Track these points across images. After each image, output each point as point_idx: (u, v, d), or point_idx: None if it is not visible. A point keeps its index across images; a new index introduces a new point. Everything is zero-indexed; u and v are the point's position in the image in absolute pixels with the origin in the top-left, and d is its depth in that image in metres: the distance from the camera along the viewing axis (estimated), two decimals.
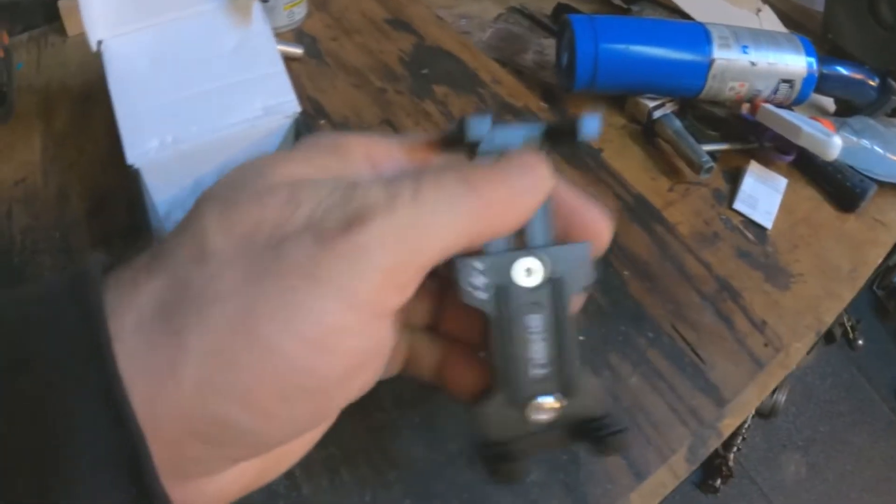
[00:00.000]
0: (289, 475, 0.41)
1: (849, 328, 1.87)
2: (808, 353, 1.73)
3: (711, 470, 1.57)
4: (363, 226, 0.20)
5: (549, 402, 0.27)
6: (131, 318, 0.19)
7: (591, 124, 0.26)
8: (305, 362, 0.19)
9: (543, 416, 0.26)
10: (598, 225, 0.28)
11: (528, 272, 0.26)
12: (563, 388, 0.27)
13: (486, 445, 0.26)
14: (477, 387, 0.28)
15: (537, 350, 0.27)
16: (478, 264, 0.26)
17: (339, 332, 0.19)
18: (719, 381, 0.51)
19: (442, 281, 0.27)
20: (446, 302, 0.30)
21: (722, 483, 1.55)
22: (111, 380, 0.18)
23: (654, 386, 0.49)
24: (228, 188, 0.22)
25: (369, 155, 0.25)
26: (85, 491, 0.17)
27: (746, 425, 1.62)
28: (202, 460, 0.19)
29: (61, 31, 0.76)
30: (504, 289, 0.26)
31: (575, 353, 0.27)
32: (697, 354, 0.52)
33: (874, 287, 1.96)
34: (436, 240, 0.21)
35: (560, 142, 0.28)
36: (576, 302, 0.28)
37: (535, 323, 0.27)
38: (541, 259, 0.26)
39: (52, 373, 0.18)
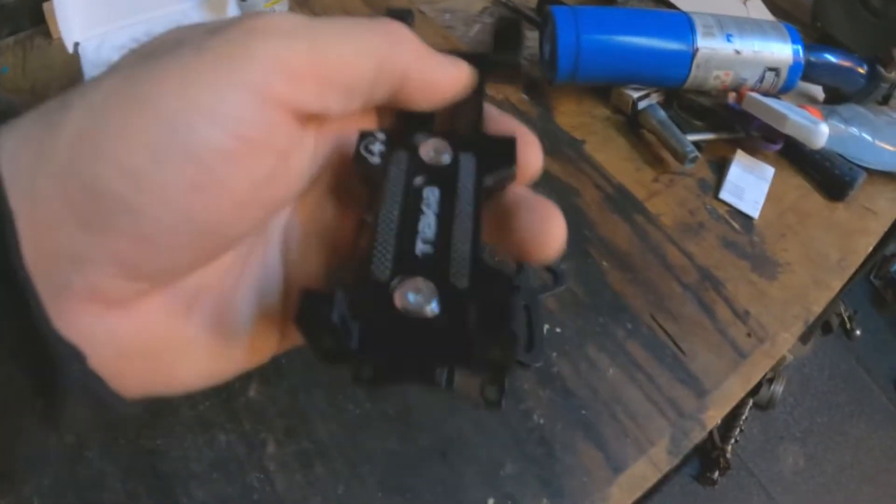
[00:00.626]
0: (263, 469, 0.41)
1: (846, 318, 1.87)
2: (804, 343, 1.74)
3: (709, 462, 1.57)
4: (257, 18, 0.19)
5: (422, 286, 0.20)
6: (15, 126, 0.18)
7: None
8: (181, 121, 0.17)
9: (414, 304, 0.20)
10: (528, 147, 0.25)
11: (435, 151, 0.24)
12: (446, 273, 0.21)
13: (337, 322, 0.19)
14: None
15: (426, 224, 0.22)
16: (379, 134, 0.24)
17: (221, 101, 0.18)
18: (700, 372, 0.50)
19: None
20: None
21: (720, 475, 1.55)
22: None
23: (632, 377, 0.49)
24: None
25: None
26: None
27: (744, 417, 1.61)
28: (82, 260, 0.17)
29: (47, 33, 0.76)
30: (401, 158, 0.23)
31: (473, 236, 0.21)
32: (678, 345, 0.52)
33: (871, 277, 1.96)
34: (338, 46, 0.20)
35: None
36: (503, 189, 0.24)
37: (432, 197, 0.23)
38: (449, 140, 0.24)
39: None
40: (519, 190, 0.24)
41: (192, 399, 0.43)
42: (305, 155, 0.22)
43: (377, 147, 0.24)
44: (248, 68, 0.18)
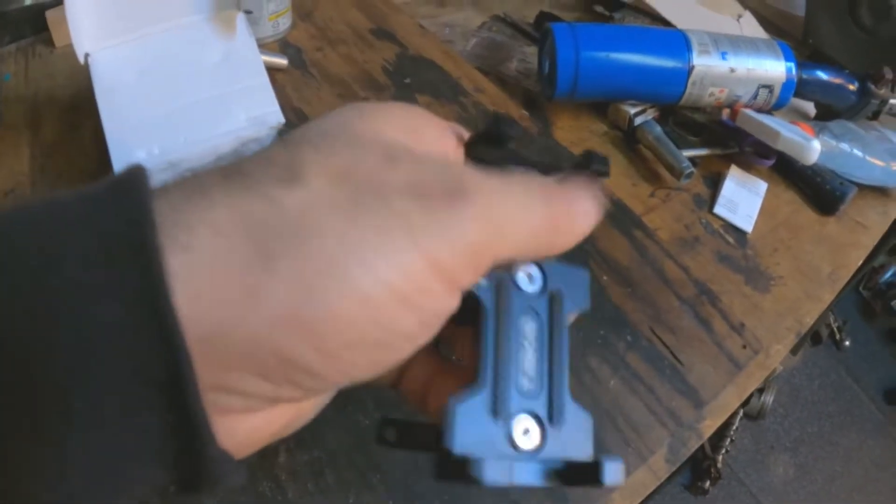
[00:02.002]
0: (274, 479, 0.42)
1: (835, 329, 1.89)
2: (794, 354, 1.75)
3: (700, 472, 1.58)
4: (465, 199, 0.20)
5: (532, 423, 0.23)
6: (205, 228, 0.17)
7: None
8: (387, 312, 0.18)
9: (523, 440, 0.23)
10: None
11: (529, 277, 0.26)
12: (549, 411, 0.24)
13: (448, 455, 0.22)
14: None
15: (528, 360, 0.24)
16: None
17: (422, 290, 0.19)
18: (698, 383, 0.52)
19: None
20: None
21: (711, 485, 1.56)
22: (157, 284, 0.16)
23: (633, 388, 0.50)
24: (317, 133, 0.21)
25: (437, 135, 0.25)
26: (111, 409, 0.16)
27: (734, 427, 1.63)
28: (247, 395, 0.18)
29: (49, 41, 0.76)
30: (505, 286, 0.24)
31: (565, 377, 0.25)
32: (676, 357, 0.53)
33: (860, 288, 1.98)
34: (512, 234, 0.21)
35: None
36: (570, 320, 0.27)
37: (530, 329, 0.25)
38: (541, 268, 0.26)
39: (84, 273, 0.16)
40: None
41: None
42: None
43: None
44: (449, 263, 0.19)
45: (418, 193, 0.19)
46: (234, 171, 0.19)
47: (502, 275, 0.25)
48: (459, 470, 0.21)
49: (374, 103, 0.24)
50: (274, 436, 0.22)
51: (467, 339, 0.26)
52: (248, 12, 0.61)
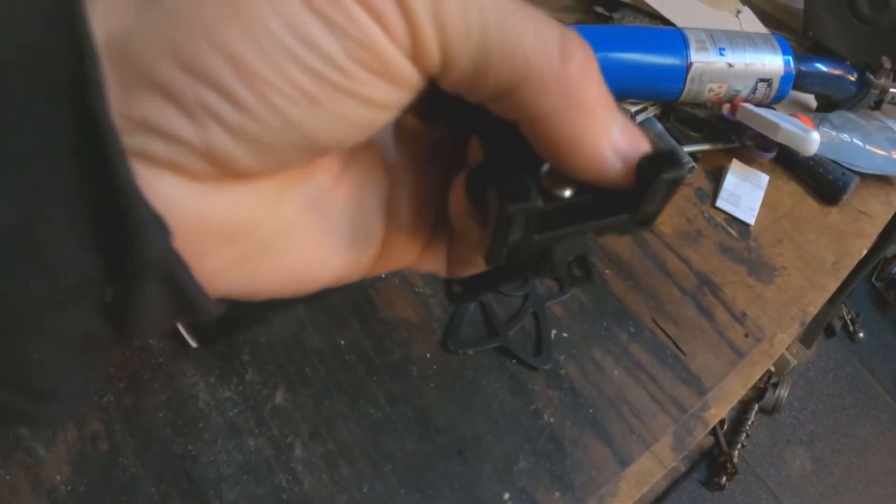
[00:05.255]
0: (291, 471, 0.44)
1: (849, 321, 1.88)
2: (808, 347, 1.75)
3: (716, 467, 1.58)
4: None
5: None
6: None
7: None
8: (296, 19, 0.15)
9: (557, 186, 0.19)
10: None
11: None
12: None
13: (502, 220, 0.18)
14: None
15: None
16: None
17: (342, 9, 0.15)
18: (700, 372, 0.53)
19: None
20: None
21: (728, 480, 1.56)
22: None
23: (636, 378, 0.52)
24: None
25: None
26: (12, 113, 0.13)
27: (750, 422, 1.63)
28: (165, 134, 0.15)
29: None
30: None
31: None
32: (678, 347, 0.54)
33: (873, 279, 1.98)
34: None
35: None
36: None
37: None
38: None
39: None
40: None
41: (222, 405, 0.46)
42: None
43: None
44: None
45: None
46: None
47: None
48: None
49: None
50: (233, 249, 0.18)
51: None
52: None
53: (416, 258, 0.24)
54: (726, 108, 0.78)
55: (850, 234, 0.72)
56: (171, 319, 0.17)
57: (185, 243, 0.15)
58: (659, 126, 0.74)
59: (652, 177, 0.18)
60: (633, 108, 0.76)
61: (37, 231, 0.13)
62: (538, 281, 0.56)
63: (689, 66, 0.73)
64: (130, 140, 0.14)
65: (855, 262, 0.72)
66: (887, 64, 0.81)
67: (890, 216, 0.77)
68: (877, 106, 0.86)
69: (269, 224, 0.18)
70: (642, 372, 0.52)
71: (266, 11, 0.14)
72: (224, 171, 0.16)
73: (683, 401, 0.51)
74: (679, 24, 0.87)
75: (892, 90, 0.83)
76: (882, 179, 0.79)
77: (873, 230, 0.75)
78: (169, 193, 0.15)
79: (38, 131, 0.13)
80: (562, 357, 0.51)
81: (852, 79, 0.82)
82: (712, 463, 1.60)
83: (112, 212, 0.14)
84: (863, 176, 0.77)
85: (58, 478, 0.42)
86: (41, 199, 0.13)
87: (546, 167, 0.19)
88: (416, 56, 0.16)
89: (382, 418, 0.47)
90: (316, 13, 0.15)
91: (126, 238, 0.14)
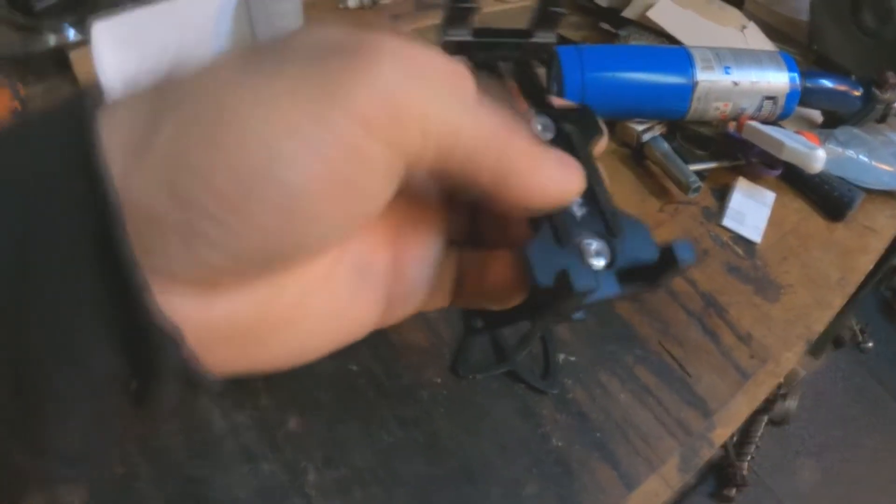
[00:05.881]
0: (305, 496, 0.44)
1: (857, 331, 1.88)
2: (817, 358, 1.75)
3: (725, 479, 1.58)
4: (380, 40, 0.18)
5: (598, 242, 0.25)
6: (121, 105, 0.18)
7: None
8: (271, 144, 0.17)
9: (596, 260, 0.24)
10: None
11: (542, 127, 0.27)
12: (607, 226, 0.25)
13: (537, 293, 0.24)
14: (518, 280, 0.25)
15: None
16: None
17: (315, 123, 0.17)
18: (706, 394, 0.54)
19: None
20: (482, 212, 0.28)
21: (737, 492, 1.56)
22: (88, 139, 0.17)
23: (642, 401, 0.52)
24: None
25: None
26: (55, 263, 0.16)
27: (759, 433, 1.63)
28: (170, 256, 0.17)
29: (74, 81, 0.79)
30: None
31: (608, 195, 0.26)
32: (684, 369, 0.55)
33: (881, 288, 1.97)
34: (441, 114, 0.19)
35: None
36: (598, 146, 0.27)
37: None
38: (552, 117, 0.27)
39: (31, 141, 0.17)
40: None
41: (236, 430, 0.47)
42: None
43: None
44: (351, 94, 0.18)
45: (320, 49, 0.19)
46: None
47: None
48: (549, 295, 0.23)
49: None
50: (240, 340, 0.20)
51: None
52: None
53: (422, 306, 0.26)
54: (732, 125, 0.79)
55: (856, 249, 0.73)
56: (183, 397, 0.20)
57: (196, 343, 0.18)
58: (665, 145, 0.75)
59: (673, 265, 0.23)
60: (641, 127, 0.77)
61: (79, 341, 0.17)
62: None
63: (695, 84, 0.74)
64: (146, 260, 0.17)
65: (861, 278, 0.72)
66: (892, 79, 0.82)
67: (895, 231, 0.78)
68: (882, 120, 0.87)
69: (269, 314, 0.21)
70: (648, 395, 0.53)
71: (245, 143, 0.17)
72: (222, 280, 0.18)
73: (689, 423, 0.51)
74: (684, 40, 0.88)
75: None
76: (888, 194, 0.80)
77: (880, 245, 0.76)
78: (179, 305, 0.18)
79: (75, 269, 0.16)
80: (569, 381, 0.52)
81: (857, 94, 0.83)
82: (721, 475, 1.60)
83: (137, 328, 0.17)
84: (868, 191, 0.77)
85: (74, 502, 0.43)
86: (82, 319, 0.17)
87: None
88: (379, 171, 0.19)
89: (394, 443, 0.47)
90: (290, 132, 0.17)
91: (149, 347, 0.17)
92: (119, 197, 0.16)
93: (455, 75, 0.20)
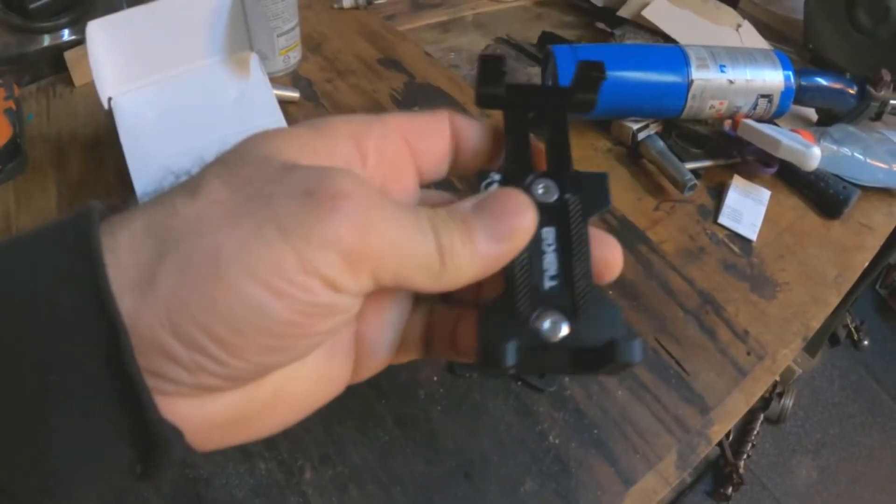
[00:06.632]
0: (302, 494, 0.44)
1: (853, 329, 1.88)
2: (812, 356, 1.75)
3: (722, 478, 1.58)
4: (339, 204, 0.22)
5: (554, 317, 0.26)
6: (124, 235, 0.21)
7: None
8: (258, 301, 0.21)
9: (549, 332, 0.25)
10: (612, 251, 0.29)
11: (545, 190, 0.28)
12: (573, 304, 0.26)
13: (486, 345, 0.25)
14: None
15: (549, 262, 0.27)
16: (496, 175, 0.28)
17: (292, 284, 0.21)
18: (703, 391, 0.54)
19: None
20: None
21: (734, 491, 1.56)
22: (99, 277, 0.20)
23: (639, 398, 0.52)
24: (230, 153, 0.24)
25: (353, 134, 0.27)
26: (74, 380, 0.20)
27: (755, 432, 1.63)
28: (168, 379, 0.21)
29: (68, 81, 0.78)
30: None
31: (587, 273, 0.26)
32: (681, 366, 0.55)
33: (877, 286, 1.98)
34: (392, 253, 0.23)
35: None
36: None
37: (550, 235, 0.27)
38: (556, 180, 0.28)
39: (43, 275, 0.20)
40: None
41: None
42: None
43: (494, 187, 0.28)
44: (321, 262, 0.21)
45: (301, 193, 0.22)
46: (160, 192, 0.23)
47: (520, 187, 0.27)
48: (488, 360, 0.25)
49: (278, 128, 0.26)
50: (231, 426, 0.24)
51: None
52: (259, 52, 0.64)
53: (394, 358, 0.30)
54: (727, 124, 0.79)
55: (852, 247, 0.73)
56: (177, 472, 0.24)
57: (192, 434, 0.22)
58: (660, 143, 0.75)
59: (612, 360, 0.25)
60: (636, 126, 0.77)
61: (93, 443, 0.20)
62: None
63: (690, 83, 0.74)
64: (148, 379, 0.20)
65: (857, 276, 0.72)
66: (887, 76, 0.82)
67: (892, 228, 0.78)
68: (877, 118, 0.87)
69: (255, 403, 0.25)
70: (646, 392, 0.53)
71: (234, 299, 0.20)
72: (214, 392, 0.22)
73: (687, 420, 0.51)
74: (680, 39, 0.88)
75: (892, 102, 0.84)
76: (884, 192, 0.80)
77: (875, 243, 0.76)
78: (180, 408, 0.22)
79: (91, 384, 0.20)
80: (566, 378, 0.52)
81: (852, 92, 0.83)
82: (718, 474, 1.60)
83: (144, 429, 0.21)
84: (864, 189, 0.77)
85: None
86: (100, 424, 0.20)
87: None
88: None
89: (391, 441, 0.47)
90: (270, 290, 0.21)
91: (153, 443, 0.21)
92: (128, 329, 0.20)
93: (406, 218, 0.24)
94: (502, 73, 0.29)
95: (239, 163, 0.23)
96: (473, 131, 0.30)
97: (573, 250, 0.27)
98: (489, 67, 0.29)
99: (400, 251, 0.23)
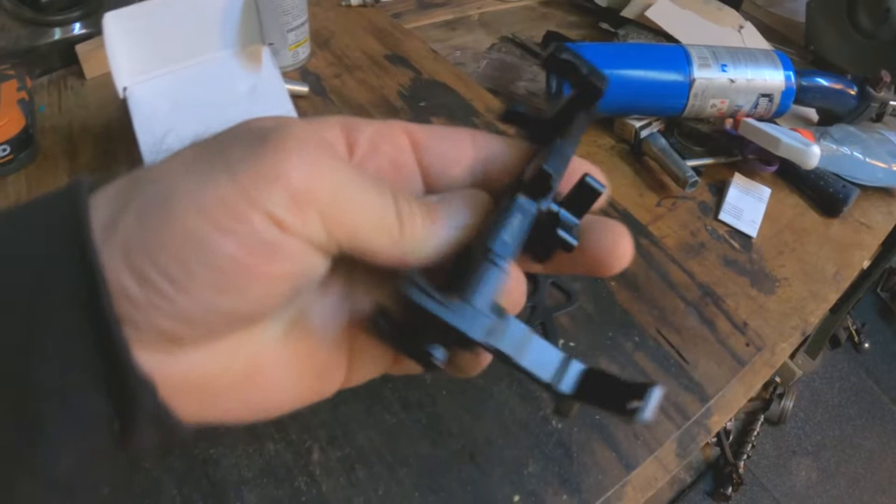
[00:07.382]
0: (309, 474, 0.45)
1: (854, 332, 1.89)
2: (814, 358, 1.76)
3: (722, 478, 1.59)
4: (289, 140, 0.22)
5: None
6: (103, 196, 0.22)
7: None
8: (199, 234, 0.21)
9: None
10: (621, 240, 0.28)
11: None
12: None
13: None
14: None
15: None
16: None
17: (237, 218, 0.21)
18: (703, 380, 0.55)
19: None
20: None
21: (733, 491, 1.57)
22: (83, 230, 0.21)
23: None
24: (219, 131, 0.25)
25: (345, 125, 0.27)
26: (55, 333, 0.20)
27: (756, 433, 1.64)
28: (134, 321, 0.21)
29: (79, 73, 0.79)
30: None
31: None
32: (681, 356, 0.56)
33: (878, 290, 1.98)
34: (344, 200, 0.23)
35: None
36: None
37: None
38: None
39: (36, 235, 0.21)
40: (590, 216, 0.28)
41: None
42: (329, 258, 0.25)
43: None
44: (264, 196, 0.21)
45: (256, 139, 0.22)
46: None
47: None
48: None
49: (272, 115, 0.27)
50: (202, 393, 0.24)
51: None
52: (270, 44, 0.65)
53: (390, 366, 0.30)
54: (729, 122, 0.80)
55: (851, 245, 0.74)
56: (160, 440, 0.23)
57: (165, 394, 0.22)
58: (663, 141, 0.76)
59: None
60: (639, 124, 0.78)
61: (71, 386, 0.21)
62: (545, 292, 0.58)
63: (692, 82, 0.75)
64: (123, 327, 0.21)
65: (855, 274, 0.73)
66: (887, 77, 0.83)
67: (891, 227, 0.79)
68: (878, 118, 0.88)
69: (228, 374, 0.24)
70: (646, 379, 0.54)
71: (179, 234, 0.21)
72: (179, 341, 0.22)
73: (686, 408, 0.52)
74: (682, 40, 0.89)
75: (892, 103, 0.85)
76: (883, 191, 0.81)
77: (874, 241, 0.76)
78: (148, 360, 0.22)
79: (70, 332, 0.20)
80: None
81: (853, 92, 0.84)
82: (718, 474, 1.61)
83: (118, 377, 0.21)
84: (864, 188, 0.78)
85: None
86: (76, 374, 0.21)
87: None
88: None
89: (397, 424, 0.48)
90: (214, 224, 0.21)
91: (128, 392, 0.21)
92: (104, 272, 0.20)
93: (365, 178, 0.24)
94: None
95: (219, 133, 0.24)
96: (500, 147, 0.30)
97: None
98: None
99: (353, 202, 0.23)
